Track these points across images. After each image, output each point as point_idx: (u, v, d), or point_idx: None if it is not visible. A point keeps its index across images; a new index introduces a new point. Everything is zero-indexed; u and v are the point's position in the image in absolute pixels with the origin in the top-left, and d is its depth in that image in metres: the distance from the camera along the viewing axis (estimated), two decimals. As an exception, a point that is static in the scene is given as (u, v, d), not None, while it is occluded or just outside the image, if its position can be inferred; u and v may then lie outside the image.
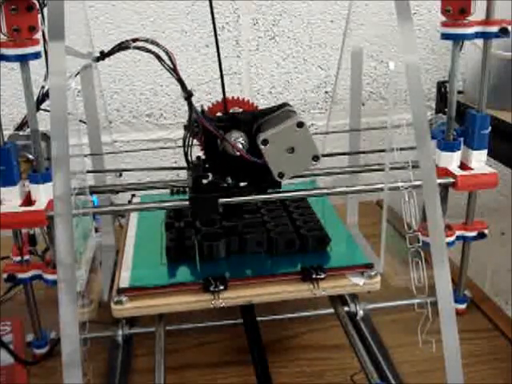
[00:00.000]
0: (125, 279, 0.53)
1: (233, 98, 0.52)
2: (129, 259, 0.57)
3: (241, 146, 0.51)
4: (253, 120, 0.52)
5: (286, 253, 0.57)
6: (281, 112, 0.52)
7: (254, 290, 0.53)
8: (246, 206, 0.60)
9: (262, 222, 0.60)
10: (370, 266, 0.54)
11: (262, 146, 0.49)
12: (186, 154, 0.51)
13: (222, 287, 0.51)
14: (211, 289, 0.51)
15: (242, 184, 0.53)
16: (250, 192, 0.53)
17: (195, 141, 0.51)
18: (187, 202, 0.53)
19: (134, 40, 0.48)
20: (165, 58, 0.48)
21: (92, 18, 0.84)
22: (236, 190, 0.52)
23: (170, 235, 0.58)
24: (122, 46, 0.49)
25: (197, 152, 0.53)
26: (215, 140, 0.51)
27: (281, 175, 0.50)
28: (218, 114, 0.52)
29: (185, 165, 0.52)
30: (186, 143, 0.50)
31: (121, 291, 0.51)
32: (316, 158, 0.50)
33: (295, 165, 0.50)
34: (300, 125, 0.49)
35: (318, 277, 0.52)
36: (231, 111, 0.52)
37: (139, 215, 0.67)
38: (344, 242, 0.60)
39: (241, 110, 0.53)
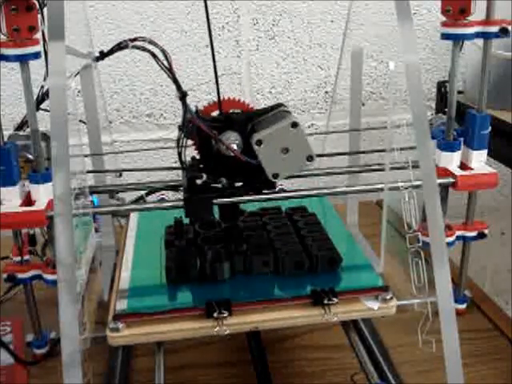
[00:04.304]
0: (122, 303, 0.49)
1: (228, 98, 0.52)
2: (126, 279, 0.53)
3: (235, 146, 0.50)
4: (247, 120, 0.51)
5: (295, 274, 0.52)
6: (275, 112, 0.51)
7: (260, 315, 0.49)
8: (250, 222, 0.58)
9: (268, 240, 0.55)
10: (384, 289, 0.50)
11: (256, 147, 0.48)
12: (179, 155, 0.50)
13: (226, 313, 0.47)
14: (215, 315, 0.47)
15: (236, 184, 0.52)
16: (245, 192, 0.52)
17: (190, 141, 0.51)
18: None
19: (133, 40, 0.48)
20: (163, 57, 0.48)
21: (92, 18, 0.84)
22: (230, 191, 0.52)
23: (170, 254, 0.54)
24: (120, 46, 0.49)
25: (191, 152, 0.52)
26: (209, 140, 0.51)
27: (275, 175, 0.50)
28: (213, 113, 0.51)
29: (184, 165, 0.52)
30: (180, 144, 0.50)
31: (117, 317, 0.47)
32: (310, 158, 0.49)
33: (289, 165, 0.49)
34: (294, 125, 0.48)
35: (330, 302, 0.48)
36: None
37: (139, 228, 0.64)
38: (356, 260, 0.56)
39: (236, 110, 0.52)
